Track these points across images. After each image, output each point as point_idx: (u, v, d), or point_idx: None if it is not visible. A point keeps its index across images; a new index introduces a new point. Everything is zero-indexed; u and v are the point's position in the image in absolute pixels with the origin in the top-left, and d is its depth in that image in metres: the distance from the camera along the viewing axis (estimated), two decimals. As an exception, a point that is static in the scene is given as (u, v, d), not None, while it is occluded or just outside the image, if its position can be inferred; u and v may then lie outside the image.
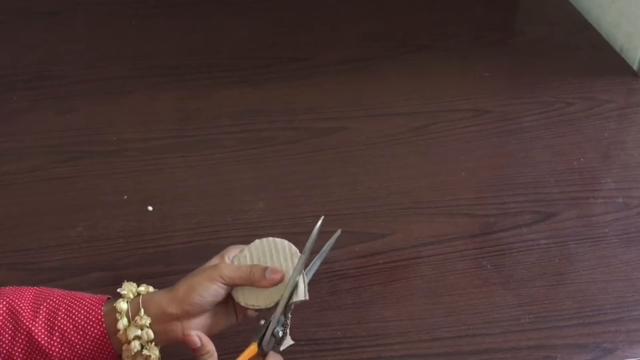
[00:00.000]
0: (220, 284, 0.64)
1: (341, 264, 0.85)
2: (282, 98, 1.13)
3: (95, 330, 0.63)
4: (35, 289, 0.66)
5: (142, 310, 0.64)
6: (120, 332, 0.63)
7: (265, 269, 0.65)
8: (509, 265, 0.85)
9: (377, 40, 1.28)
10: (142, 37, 1.29)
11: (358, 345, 0.76)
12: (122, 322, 0.63)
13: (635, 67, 1.21)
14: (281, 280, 0.65)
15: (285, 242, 0.69)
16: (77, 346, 0.63)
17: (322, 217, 0.68)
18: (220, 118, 1.09)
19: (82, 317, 0.64)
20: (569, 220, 0.91)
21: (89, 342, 0.63)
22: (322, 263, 0.71)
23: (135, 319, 0.64)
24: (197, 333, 0.64)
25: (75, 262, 0.85)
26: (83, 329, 0.63)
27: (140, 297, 0.65)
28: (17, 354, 0.62)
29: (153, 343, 0.64)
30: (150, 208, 0.92)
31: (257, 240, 0.69)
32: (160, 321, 0.64)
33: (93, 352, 0.64)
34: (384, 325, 0.78)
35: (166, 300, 0.64)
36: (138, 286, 0.67)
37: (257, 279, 0.65)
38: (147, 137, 1.05)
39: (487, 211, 0.93)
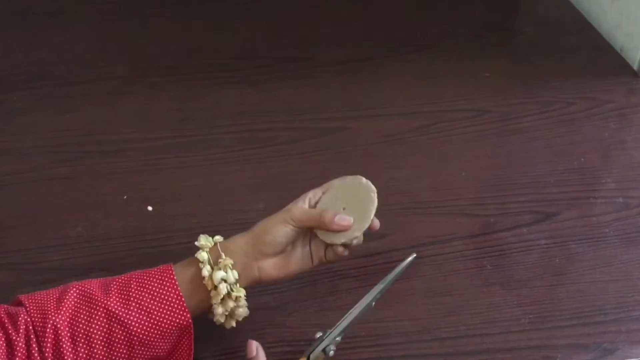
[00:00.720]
0: (291, 227, 0.70)
1: (341, 264, 0.84)
2: (282, 98, 1.13)
3: (171, 295, 0.66)
4: (100, 279, 0.68)
5: (223, 254, 0.68)
6: (206, 279, 0.67)
7: (334, 214, 0.70)
8: (509, 265, 0.85)
9: (377, 40, 1.28)
10: (142, 37, 1.29)
11: (358, 345, 0.76)
12: (206, 269, 0.67)
13: (635, 67, 1.21)
14: (349, 226, 0.70)
15: (363, 181, 0.74)
16: (154, 313, 0.65)
17: (414, 255, 0.73)
18: (220, 118, 1.09)
19: (156, 284, 0.66)
20: (569, 220, 0.91)
21: (166, 307, 0.66)
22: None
23: (219, 261, 0.68)
24: (257, 345, 0.67)
25: (75, 262, 0.85)
26: (159, 295, 0.66)
27: (218, 244, 0.69)
28: (95, 331, 0.64)
29: (238, 284, 0.68)
30: (150, 208, 0.92)
31: (336, 181, 0.75)
32: (238, 263, 0.69)
33: (170, 317, 0.66)
34: (384, 325, 0.78)
35: (243, 242, 0.69)
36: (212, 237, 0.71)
37: (327, 222, 0.70)
38: (147, 137, 1.05)
39: (487, 211, 0.93)
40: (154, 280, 0.67)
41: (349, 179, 0.75)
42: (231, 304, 0.69)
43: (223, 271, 0.68)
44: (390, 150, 1.03)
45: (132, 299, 0.66)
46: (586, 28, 1.32)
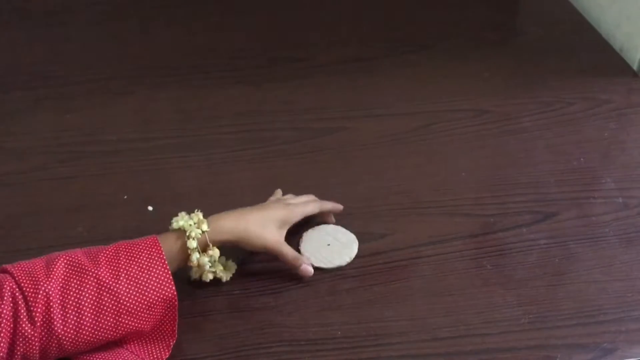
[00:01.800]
0: (268, 250, 0.80)
1: (341, 264, 0.85)
2: (282, 98, 1.13)
3: (159, 268, 0.71)
4: (82, 250, 0.72)
5: (211, 245, 0.76)
6: (193, 262, 0.76)
7: (302, 265, 0.81)
8: (509, 265, 0.85)
9: (377, 40, 1.28)
10: (142, 37, 1.29)
11: (358, 345, 0.76)
12: (195, 256, 0.75)
13: (635, 67, 1.21)
14: (310, 274, 0.82)
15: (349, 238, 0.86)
16: (142, 283, 0.70)
17: None
18: (220, 118, 1.09)
19: (145, 257, 0.71)
20: (569, 220, 0.91)
21: (153, 279, 0.71)
22: None
23: (208, 252, 0.76)
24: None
25: (75, 262, 0.85)
26: (147, 267, 0.71)
27: (207, 235, 0.76)
28: (85, 299, 0.67)
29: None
30: (150, 208, 0.92)
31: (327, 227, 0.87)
32: (220, 247, 0.78)
33: (157, 288, 0.71)
34: (384, 325, 0.78)
35: (229, 237, 0.78)
36: (195, 221, 0.77)
37: (296, 267, 0.81)
38: (147, 137, 1.05)
39: (487, 211, 0.93)
40: (143, 253, 0.71)
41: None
42: (210, 276, 0.79)
43: (209, 257, 0.77)
44: (390, 150, 1.03)
45: (121, 269, 0.69)
46: (586, 28, 1.32)
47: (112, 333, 0.69)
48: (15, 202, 0.94)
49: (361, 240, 0.87)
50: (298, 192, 0.94)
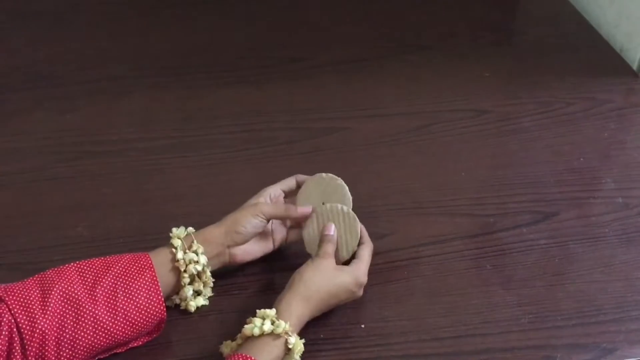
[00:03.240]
0: (260, 218, 0.79)
1: (341, 264, 0.85)
2: (282, 98, 1.13)
3: (157, 308, 0.72)
4: (75, 267, 0.71)
5: (195, 241, 0.76)
6: (180, 262, 0.75)
7: (296, 207, 0.81)
8: (509, 265, 0.85)
9: (377, 40, 1.28)
10: (142, 37, 1.29)
11: (358, 345, 0.76)
12: (179, 254, 0.75)
13: (635, 67, 1.21)
14: (309, 212, 0.81)
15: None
16: (139, 323, 0.72)
17: None
18: (220, 118, 1.09)
19: (144, 298, 0.72)
20: (569, 220, 0.91)
21: (150, 317, 0.72)
22: None
23: (191, 245, 0.76)
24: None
25: (76, 262, 0.85)
26: (145, 309, 0.72)
27: (192, 234, 0.77)
28: (81, 338, 0.68)
29: (209, 268, 0.78)
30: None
31: (317, 177, 0.83)
32: (212, 250, 0.77)
33: (151, 322, 0.73)
34: (384, 325, 0.78)
35: (216, 233, 0.78)
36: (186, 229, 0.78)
37: (291, 214, 0.81)
38: (147, 137, 1.05)
39: (487, 211, 0.93)
40: (142, 293, 0.72)
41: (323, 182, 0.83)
42: (197, 285, 0.78)
43: (194, 254, 0.76)
44: (390, 150, 1.03)
45: (119, 309, 0.70)
46: (586, 28, 1.32)
47: (102, 356, 0.73)
48: (15, 202, 0.94)
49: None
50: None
